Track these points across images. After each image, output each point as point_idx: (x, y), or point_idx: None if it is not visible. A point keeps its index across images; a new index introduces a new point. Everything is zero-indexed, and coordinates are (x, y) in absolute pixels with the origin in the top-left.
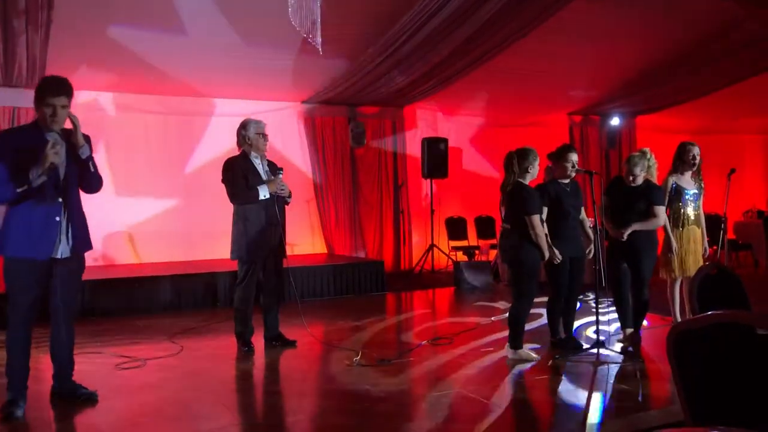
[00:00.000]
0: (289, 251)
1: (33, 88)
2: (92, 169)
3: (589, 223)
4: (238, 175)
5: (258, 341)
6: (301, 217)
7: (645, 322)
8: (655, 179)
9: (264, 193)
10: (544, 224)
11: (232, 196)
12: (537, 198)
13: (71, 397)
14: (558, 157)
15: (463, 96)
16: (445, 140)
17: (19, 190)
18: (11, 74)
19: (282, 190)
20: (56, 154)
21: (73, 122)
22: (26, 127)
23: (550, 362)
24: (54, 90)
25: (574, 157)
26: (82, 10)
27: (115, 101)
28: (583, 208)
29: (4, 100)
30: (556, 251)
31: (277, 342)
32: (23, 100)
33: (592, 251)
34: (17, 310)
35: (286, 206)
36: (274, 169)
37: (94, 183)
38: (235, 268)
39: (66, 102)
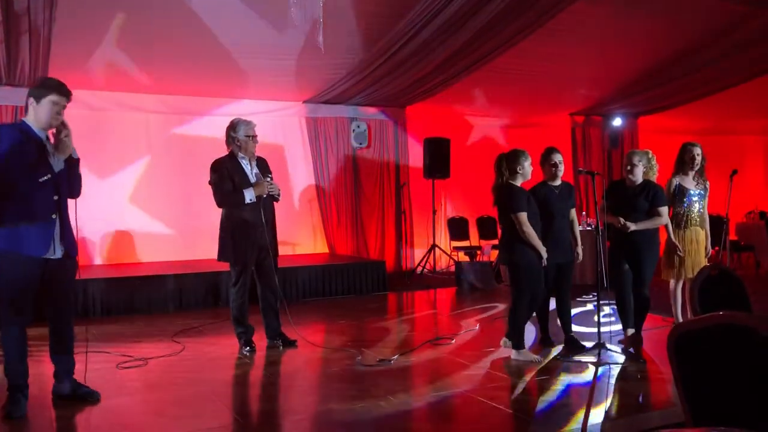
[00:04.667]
0: (290, 251)
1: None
2: (78, 173)
3: (578, 225)
4: (225, 177)
5: (259, 341)
6: (303, 216)
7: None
8: (654, 181)
9: (250, 196)
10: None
11: (217, 199)
12: (524, 196)
13: (73, 396)
14: (542, 160)
15: (465, 96)
16: (446, 140)
17: (42, 180)
18: (14, 73)
19: (271, 190)
20: (67, 137)
21: (65, 125)
22: (16, 126)
23: (551, 363)
24: (61, 90)
25: (557, 157)
26: (85, 8)
27: (117, 100)
28: (573, 210)
29: (7, 99)
30: (544, 249)
31: (278, 342)
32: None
33: (581, 255)
34: (10, 307)
35: (276, 203)
36: (263, 168)
37: (78, 186)
38: None
39: (66, 103)
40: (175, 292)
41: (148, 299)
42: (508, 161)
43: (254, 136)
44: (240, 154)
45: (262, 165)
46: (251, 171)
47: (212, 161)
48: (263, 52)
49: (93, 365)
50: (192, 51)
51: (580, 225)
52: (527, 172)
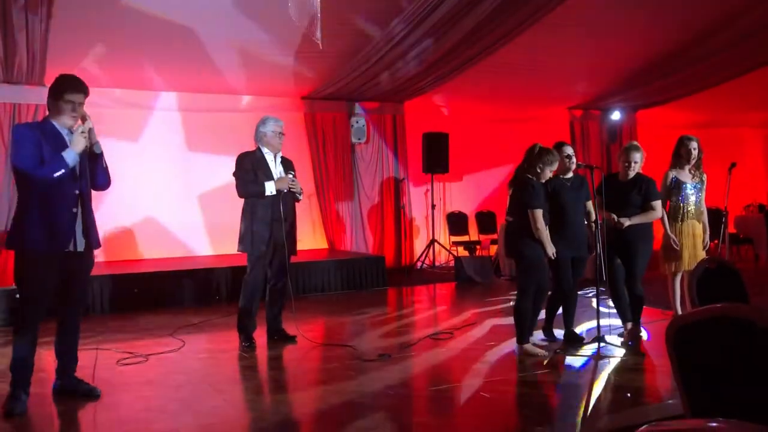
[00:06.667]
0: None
1: (33, 85)
2: (104, 165)
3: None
4: (248, 169)
5: (259, 337)
6: (302, 212)
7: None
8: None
9: (271, 189)
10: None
11: (239, 189)
12: (542, 194)
13: (73, 393)
14: None
15: (464, 90)
16: (445, 135)
17: (56, 174)
18: (11, 71)
19: (292, 187)
20: (85, 138)
21: (86, 119)
22: (43, 123)
23: (552, 357)
24: (74, 87)
25: (568, 149)
26: (83, 5)
27: (115, 97)
28: (589, 203)
29: (5, 96)
30: (552, 247)
31: (277, 337)
32: (23, 96)
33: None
34: (30, 305)
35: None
36: (287, 166)
37: (105, 179)
38: (237, 264)
39: (83, 99)
40: (176, 289)
41: (148, 296)
42: (536, 154)
43: (282, 133)
44: (266, 149)
45: (286, 164)
46: (276, 167)
47: (238, 154)
48: (261, 48)
49: (93, 362)
50: (190, 48)
51: None
52: (544, 173)
